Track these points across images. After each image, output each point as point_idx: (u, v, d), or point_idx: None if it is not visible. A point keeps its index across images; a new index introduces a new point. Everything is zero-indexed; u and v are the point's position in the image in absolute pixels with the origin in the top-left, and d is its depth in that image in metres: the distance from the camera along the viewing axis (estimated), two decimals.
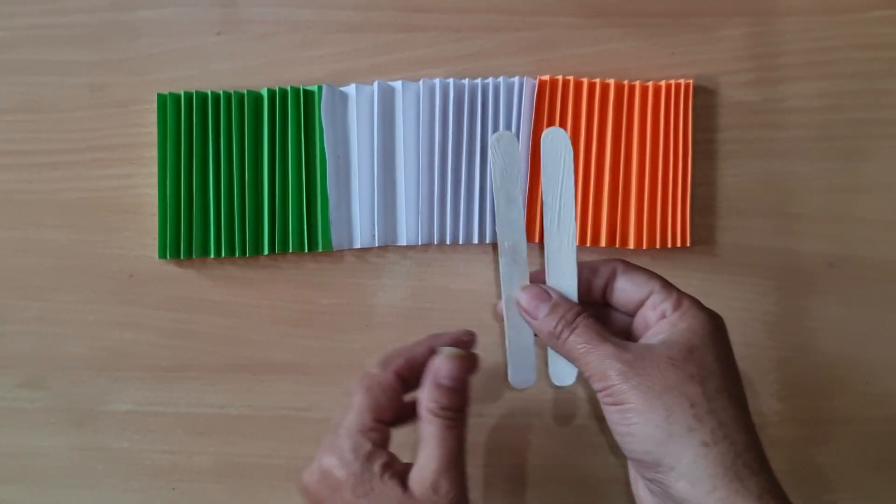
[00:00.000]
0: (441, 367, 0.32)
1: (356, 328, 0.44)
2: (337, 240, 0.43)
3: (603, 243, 0.43)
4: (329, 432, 0.32)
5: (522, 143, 0.43)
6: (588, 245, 0.43)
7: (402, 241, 0.43)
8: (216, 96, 0.42)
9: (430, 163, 0.43)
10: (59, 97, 0.45)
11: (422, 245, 0.44)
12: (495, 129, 0.43)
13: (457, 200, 0.43)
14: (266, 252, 0.43)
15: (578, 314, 0.32)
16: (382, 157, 0.43)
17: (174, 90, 0.43)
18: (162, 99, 0.42)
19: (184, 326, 0.44)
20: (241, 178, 0.43)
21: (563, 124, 0.43)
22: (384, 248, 0.44)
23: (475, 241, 0.43)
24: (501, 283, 0.35)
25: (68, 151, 0.45)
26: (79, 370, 0.44)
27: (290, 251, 0.43)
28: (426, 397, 0.32)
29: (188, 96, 0.42)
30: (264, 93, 0.43)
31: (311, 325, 0.44)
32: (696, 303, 0.32)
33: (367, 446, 0.31)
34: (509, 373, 0.35)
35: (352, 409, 0.32)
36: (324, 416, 0.44)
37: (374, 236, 0.43)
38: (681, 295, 0.32)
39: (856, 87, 0.45)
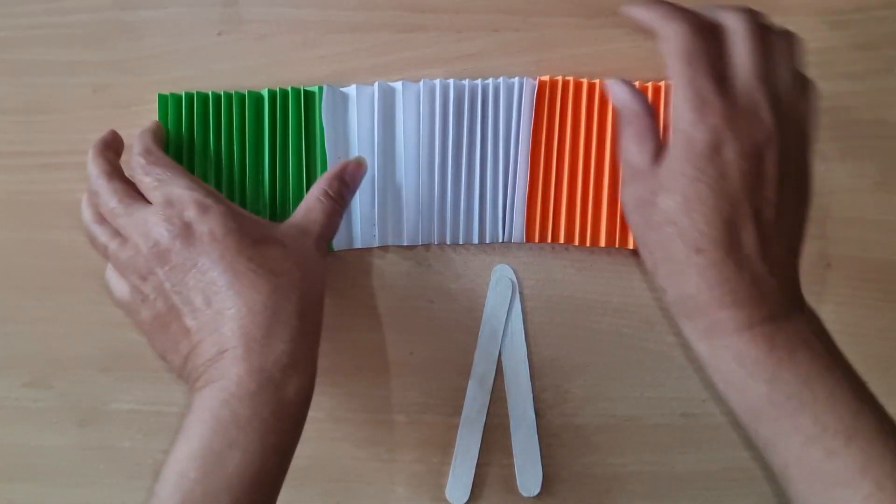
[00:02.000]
0: (350, 166, 0.41)
1: (356, 328, 0.44)
2: (337, 240, 0.43)
3: (602, 243, 0.43)
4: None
5: (522, 144, 0.43)
6: (588, 245, 0.43)
7: (403, 241, 0.43)
8: (217, 97, 0.43)
9: (431, 163, 0.43)
10: (61, 97, 0.45)
11: (422, 245, 0.44)
12: (495, 129, 0.43)
13: (457, 200, 0.43)
14: None
15: None
16: (383, 157, 0.43)
17: (175, 90, 0.43)
18: (163, 99, 0.42)
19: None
20: (241, 177, 0.43)
21: (563, 124, 0.43)
22: (384, 249, 0.44)
23: (475, 240, 0.43)
24: (465, 404, 0.43)
25: (71, 152, 0.45)
26: (82, 370, 0.44)
27: None
28: (327, 184, 0.39)
29: (189, 97, 0.42)
30: (265, 93, 0.43)
31: None
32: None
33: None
34: (448, 486, 0.42)
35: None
36: (324, 416, 0.44)
37: (374, 236, 0.43)
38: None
39: (855, 88, 0.45)
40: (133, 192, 0.37)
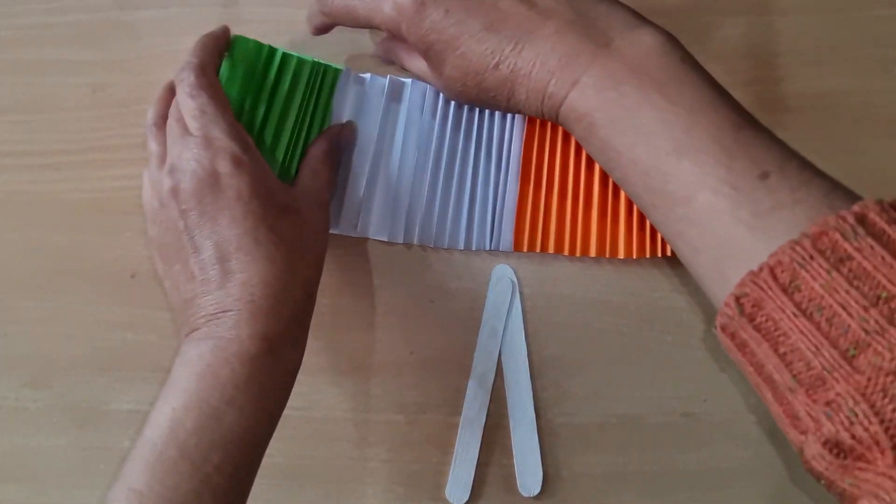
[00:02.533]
0: (346, 131, 0.42)
1: (356, 328, 0.44)
2: None
3: (592, 253, 0.43)
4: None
5: (514, 152, 0.43)
6: (578, 255, 0.43)
7: (384, 237, 0.43)
8: (271, 50, 0.39)
9: (425, 163, 0.43)
10: (60, 97, 0.45)
11: (419, 245, 0.44)
12: (489, 136, 0.43)
13: (446, 203, 0.43)
14: None
15: None
16: (380, 149, 0.43)
17: None
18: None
19: None
20: (259, 135, 0.40)
21: (554, 135, 0.43)
22: (385, 250, 0.44)
23: (460, 246, 0.43)
24: (465, 404, 0.43)
25: (70, 152, 0.45)
26: (81, 370, 0.44)
27: None
28: (327, 147, 0.40)
29: (244, 41, 0.39)
30: (309, 59, 0.40)
31: (312, 325, 0.44)
32: None
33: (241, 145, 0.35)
34: (448, 486, 0.42)
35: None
36: (324, 415, 0.44)
37: (355, 225, 0.43)
38: None
39: (856, 87, 0.45)
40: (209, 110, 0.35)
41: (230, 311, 0.33)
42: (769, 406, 0.29)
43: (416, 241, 0.43)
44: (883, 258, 0.25)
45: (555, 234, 0.43)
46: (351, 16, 0.36)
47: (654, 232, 0.42)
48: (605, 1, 0.34)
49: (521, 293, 0.44)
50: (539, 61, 0.32)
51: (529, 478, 0.42)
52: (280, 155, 0.41)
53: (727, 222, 0.28)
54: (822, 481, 0.27)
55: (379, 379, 0.44)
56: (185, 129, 0.35)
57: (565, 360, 0.43)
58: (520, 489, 0.42)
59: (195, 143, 0.34)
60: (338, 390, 0.44)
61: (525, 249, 0.43)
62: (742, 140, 0.29)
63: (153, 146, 0.37)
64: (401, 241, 0.43)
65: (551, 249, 0.43)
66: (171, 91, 0.38)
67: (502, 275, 0.43)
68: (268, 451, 0.44)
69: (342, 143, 0.41)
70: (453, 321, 0.44)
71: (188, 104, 0.35)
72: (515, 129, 0.43)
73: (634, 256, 0.42)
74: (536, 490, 0.42)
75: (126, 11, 0.45)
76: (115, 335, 0.44)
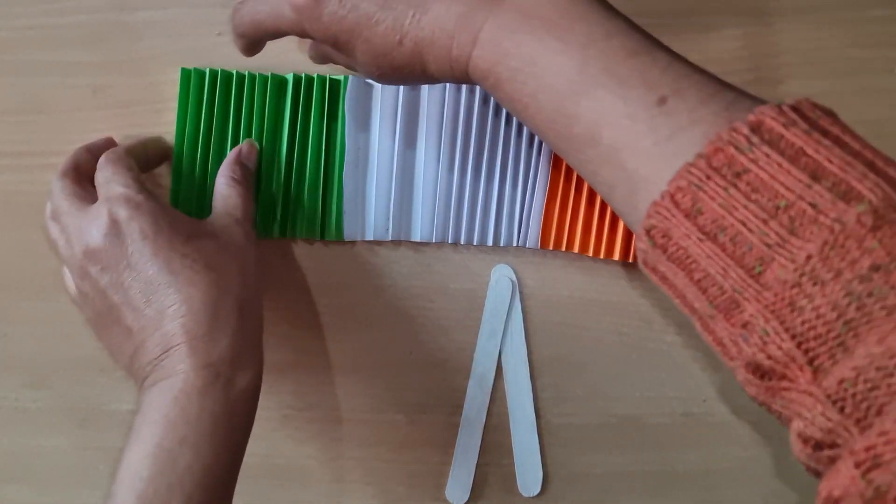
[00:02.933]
0: (244, 150, 0.42)
1: (356, 328, 0.44)
2: (349, 230, 0.43)
3: (617, 257, 0.42)
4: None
5: (545, 149, 0.42)
6: (602, 257, 0.43)
7: (416, 237, 0.43)
8: (241, 76, 0.42)
9: (451, 161, 0.43)
10: (60, 98, 0.45)
11: (435, 243, 0.44)
12: (518, 132, 0.42)
13: (474, 201, 0.43)
14: (276, 234, 0.43)
15: None
16: (403, 151, 0.43)
17: (175, 91, 0.43)
18: (185, 74, 0.42)
19: None
20: (257, 159, 0.43)
21: None
22: (385, 249, 0.44)
23: (489, 242, 0.43)
24: (464, 404, 0.43)
25: (70, 152, 0.45)
26: (81, 370, 0.44)
27: (299, 236, 0.43)
28: (230, 171, 0.40)
29: (213, 73, 0.42)
30: (289, 77, 0.43)
31: (312, 325, 0.44)
32: None
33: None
34: (448, 486, 0.42)
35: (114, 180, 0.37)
36: (324, 415, 0.44)
37: (388, 230, 0.43)
38: None
39: (855, 87, 0.45)
40: (84, 193, 0.37)
41: (171, 347, 0.33)
42: (702, 336, 0.28)
43: (449, 240, 0.43)
44: (779, 165, 0.24)
45: (581, 234, 0.42)
46: (261, 29, 0.36)
47: None
48: None
49: (520, 293, 0.44)
50: (438, 27, 0.31)
51: (529, 478, 0.42)
52: (282, 175, 0.43)
53: (631, 155, 0.28)
54: (765, 408, 0.27)
55: (379, 379, 0.44)
56: (88, 204, 0.36)
57: (565, 361, 0.43)
58: (520, 489, 0.42)
59: (98, 205, 0.35)
60: (337, 390, 0.44)
61: (551, 247, 0.43)
62: (636, 67, 0.28)
63: (52, 234, 0.37)
64: (433, 240, 0.43)
65: (576, 249, 0.43)
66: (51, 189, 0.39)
67: (502, 275, 0.43)
68: (267, 452, 0.44)
69: (245, 162, 0.42)
70: (453, 321, 0.44)
71: (97, 180, 0.37)
72: None
73: None
74: (536, 490, 0.42)
75: (126, 12, 0.45)
76: None
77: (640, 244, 0.28)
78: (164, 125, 0.45)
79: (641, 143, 0.27)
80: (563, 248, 0.43)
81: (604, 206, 0.42)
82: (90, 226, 0.34)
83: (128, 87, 0.45)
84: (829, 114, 0.26)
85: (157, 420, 0.32)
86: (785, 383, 0.25)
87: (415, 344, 0.44)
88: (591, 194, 0.42)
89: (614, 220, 0.42)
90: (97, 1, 0.45)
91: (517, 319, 0.43)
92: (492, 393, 0.43)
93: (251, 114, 0.42)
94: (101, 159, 0.38)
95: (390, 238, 0.43)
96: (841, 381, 0.22)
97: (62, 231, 0.36)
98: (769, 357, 0.24)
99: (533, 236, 0.43)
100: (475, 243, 0.43)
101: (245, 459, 0.44)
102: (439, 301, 0.44)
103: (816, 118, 0.26)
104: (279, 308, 0.44)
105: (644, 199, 0.27)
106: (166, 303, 0.33)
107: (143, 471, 0.31)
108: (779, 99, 0.45)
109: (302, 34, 0.35)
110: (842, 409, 0.23)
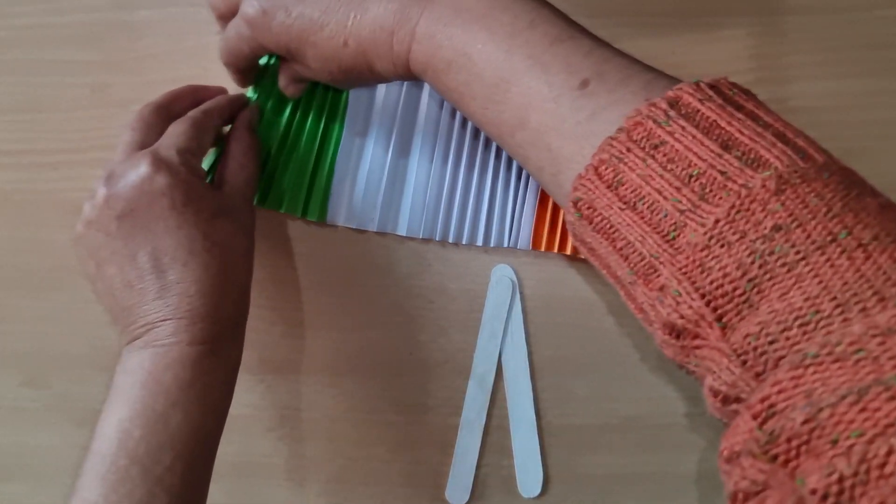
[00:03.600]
0: (253, 115, 0.41)
1: (356, 328, 0.44)
2: (333, 212, 0.43)
3: None
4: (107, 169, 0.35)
5: None
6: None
7: (402, 231, 0.43)
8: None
9: (445, 157, 0.43)
10: (59, 97, 0.45)
11: (421, 239, 0.43)
12: None
13: (465, 199, 0.43)
14: (256, 202, 0.42)
15: None
16: (399, 143, 0.43)
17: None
18: None
19: None
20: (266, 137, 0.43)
21: None
22: (384, 248, 0.44)
23: (479, 242, 0.43)
24: (465, 405, 0.43)
25: (69, 151, 0.45)
26: (80, 369, 0.44)
27: (282, 210, 0.43)
28: (247, 140, 0.40)
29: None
30: None
31: (312, 325, 0.44)
32: None
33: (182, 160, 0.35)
34: (448, 487, 0.42)
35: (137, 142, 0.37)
36: (323, 415, 0.44)
37: (373, 219, 0.43)
38: None
39: (859, 87, 0.44)
40: (144, 144, 0.36)
41: (169, 320, 0.33)
42: (627, 305, 0.30)
43: (437, 237, 0.43)
44: (693, 136, 0.25)
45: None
46: (233, 54, 0.38)
47: None
48: None
49: (521, 293, 0.43)
50: (377, 26, 0.33)
51: (529, 479, 0.42)
52: (275, 146, 0.42)
53: (556, 137, 0.29)
54: (684, 371, 0.28)
55: (379, 379, 0.44)
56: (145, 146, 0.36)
57: (566, 361, 0.43)
58: (520, 490, 0.42)
59: (142, 156, 0.35)
60: (337, 390, 0.44)
61: (542, 248, 0.43)
62: (559, 53, 0.30)
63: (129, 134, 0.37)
64: (420, 236, 0.43)
65: (568, 251, 0.42)
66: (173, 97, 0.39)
67: (502, 275, 0.43)
68: (267, 452, 0.44)
69: (254, 125, 0.41)
70: (453, 321, 0.44)
71: (172, 130, 0.37)
72: None
73: None
74: (536, 491, 0.42)
75: (125, 11, 0.45)
76: (113, 334, 0.44)
77: (568, 217, 0.29)
78: None
79: (564, 124, 0.29)
80: (556, 250, 0.43)
81: None
82: (127, 170, 0.34)
83: (127, 86, 0.45)
84: (746, 92, 0.28)
85: (148, 384, 0.32)
86: (697, 342, 0.26)
87: (415, 344, 0.44)
88: None
89: None
90: (97, 0, 0.45)
91: (517, 320, 0.43)
92: (492, 394, 0.43)
93: (263, 73, 0.42)
94: (190, 113, 0.38)
95: (375, 229, 0.43)
96: (746, 336, 0.23)
97: (105, 170, 0.36)
98: (681, 316, 0.25)
99: (524, 238, 0.43)
100: (464, 242, 0.43)
101: (244, 459, 0.44)
102: (439, 301, 0.44)
103: (733, 95, 0.27)
104: (278, 307, 0.44)
105: (568, 177, 0.29)
106: (175, 278, 0.34)
107: (135, 430, 0.32)
108: (784, 99, 0.45)
109: (260, 48, 0.36)
110: (744, 363, 0.23)
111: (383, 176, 0.43)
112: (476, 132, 0.43)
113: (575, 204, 0.28)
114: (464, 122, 0.43)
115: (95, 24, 0.45)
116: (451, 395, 0.43)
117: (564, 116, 0.29)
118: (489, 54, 0.30)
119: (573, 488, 0.43)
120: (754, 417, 0.22)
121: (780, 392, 0.22)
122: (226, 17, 0.38)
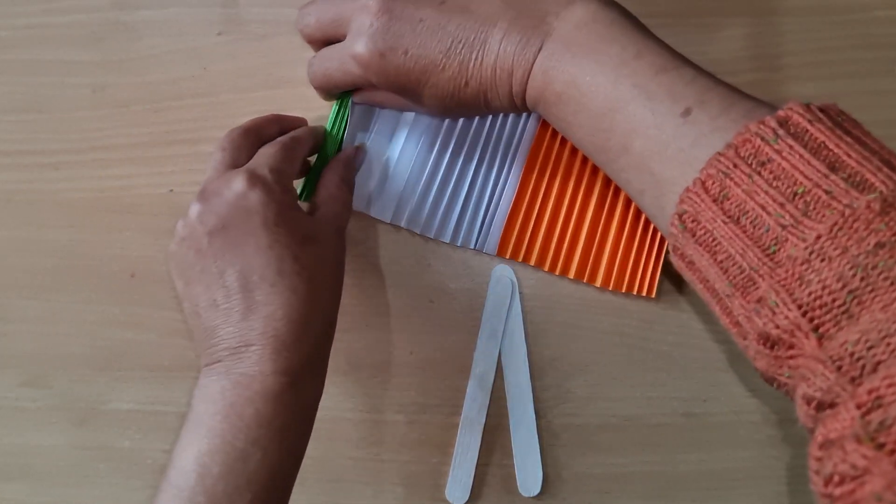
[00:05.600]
0: (359, 154, 0.42)
1: (356, 327, 0.44)
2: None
3: (571, 275, 0.42)
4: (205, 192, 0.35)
5: (519, 159, 0.42)
6: (557, 273, 0.43)
7: (371, 212, 0.42)
8: None
9: (430, 147, 0.42)
10: (60, 97, 0.45)
11: (422, 238, 0.43)
12: (498, 138, 0.42)
13: (441, 193, 0.42)
14: None
15: None
16: (385, 125, 0.42)
17: (175, 90, 0.43)
18: None
19: (185, 326, 0.44)
20: None
21: (561, 150, 0.42)
22: (384, 248, 0.44)
23: (447, 239, 0.43)
24: (465, 404, 0.43)
25: (69, 151, 0.45)
26: (80, 369, 0.44)
27: None
28: (343, 172, 0.40)
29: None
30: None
31: None
32: None
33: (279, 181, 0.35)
34: (448, 486, 0.42)
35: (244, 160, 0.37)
36: (322, 415, 0.43)
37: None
38: None
39: (856, 88, 0.45)
40: (235, 164, 0.36)
41: (253, 345, 0.32)
42: (720, 321, 0.30)
43: (403, 224, 0.43)
44: (801, 156, 0.26)
45: (539, 248, 0.42)
46: (332, 83, 0.38)
47: (635, 269, 0.42)
48: None
49: (520, 293, 0.44)
50: (498, 67, 0.34)
51: (529, 478, 0.42)
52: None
53: (659, 162, 0.31)
54: (774, 385, 0.29)
55: (379, 379, 0.44)
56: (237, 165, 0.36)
57: (566, 361, 0.43)
58: (520, 489, 0.42)
59: (237, 172, 0.34)
60: (337, 390, 0.44)
61: (508, 256, 0.43)
62: (663, 82, 0.31)
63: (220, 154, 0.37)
64: (388, 220, 0.42)
65: (532, 262, 0.43)
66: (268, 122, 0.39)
67: (502, 275, 0.43)
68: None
69: (356, 165, 0.41)
70: (453, 321, 0.44)
71: (264, 151, 0.36)
72: (525, 136, 0.42)
73: (611, 288, 0.42)
74: (536, 490, 0.42)
75: (126, 11, 0.45)
76: (114, 334, 0.44)
77: (671, 230, 0.30)
78: (164, 124, 0.45)
79: (668, 150, 0.30)
80: (520, 259, 0.43)
81: (567, 222, 0.42)
82: (221, 187, 0.34)
83: (127, 86, 0.45)
84: (853, 120, 0.29)
85: (230, 416, 0.32)
86: (792, 352, 0.26)
87: (415, 344, 0.44)
88: (555, 211, 0.42)
89: (574, 240, 0.42)
90: (97, 0, 0.45)
91: (517, 319, 0.43)
92: (492, 393, 0.43)
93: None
94: (280, 138, 0.38)
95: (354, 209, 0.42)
96: (843, 343, 0.24)
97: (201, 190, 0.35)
98: (777, 326, 0.26)
99: (492, 243, 0.43)
100: (431, 236, 0.43)
101: None
102: (439, 301, 0.44)
103: (841, 119, 0.28)
104: None
105: (670, 200, 0.30)
106: (262, 300, 0.33)
107: (214, 467, 0.31)
108: (781, 99, 0.45)
109: (368, 85, 0.37)
110: (839, 368, 0.24)
111: (367, 158, 0.42)
112: (464, 133, 0.43)
113: (680, 216, 0.29)
114: (451, 123, 0.42)
115: (95, 24, 0.45)
116: (451, 395, 0.43)
117: (668, 142, 0.30)
118: (597, 85, 0.32)
119: (572, 488, 0.43)
120: (858, 407, 0.23)
121: (889, 386, 0.22)
122: (318, 42, 0.39)
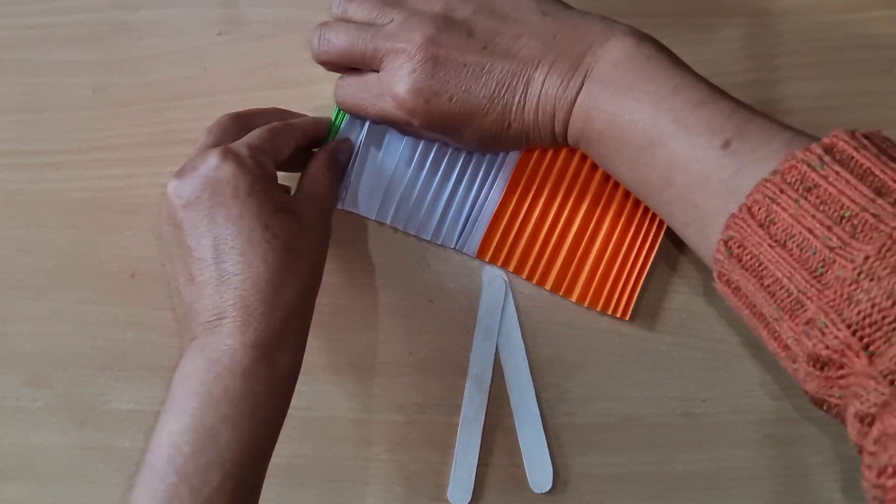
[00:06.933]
0: (342, 145, 0.41)
1: (356, 327, 0.44)
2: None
3: (548, 287, 0.42)
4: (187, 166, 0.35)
5: (508, 163, 0.42)
6: (535, 283, 0.43)
7: (357, 208, 0.42)
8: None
9: (416, 142, 0.41)
10: (60, 97, 0.45)
11: (419, 239, 0.43)
12: None
13: (426, 190, 0.42)
14: None
15: None
16: (373, 129, 0.42)
17: (175, 90, 0.43)
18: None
19: None
20: None
21: (553, 158, 0.42)
22: (384, 248, 0.44)
23: (428, 236, 0.42)
24: (463, 405, 0.43)
25: (70, 151, 0.45)
26: (81, 369, 0.44)
27: None
28: (331, 155, 0.40)
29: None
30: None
31: (311, 325, 0.44)
32: None
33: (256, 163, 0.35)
34: (450, 487, 0.43)
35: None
36: (323, 415, 0.44)
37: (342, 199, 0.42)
38: None
39: (855, 88, 0.45)
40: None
41: (225, 317, 0.33)
42: (768, 346, 0.30)
43: (388, 222, 0.42)
44: (847, 181, 0.27)
45: (520, 255, 0.42)
46: (363, 114, 0.39)
47: (613, 288, 0.42)
48: (574, 26, 0.36)
49: (518, 293, 0.44)
50: (541, 109, 0.35)
51: (539, 475, 0.42)
52: None
53: (701, 194, 0.31)
54: (824, 407, 0.29)
55: (379, 379, 0.44)
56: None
57: (564, 361, 0.43)
58: (531, 486, 0.42)
59: (213, 149, 0.34)
60: (338, 390, 0.44)
61: (487, 260, 0.42)
62: (702, 115, 0.32)
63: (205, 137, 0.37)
64: (373, 217, 0.42)
65: (512, 268, 0.42)
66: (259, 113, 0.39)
67: (494, 275, 0.43)
68: None
69: (341, 155, 0.41)
70: (452, 321, 0.44)
71: (250, 133, 0.37)
72: None
73: (586, 305, 0.42)
74: (548, 486, 0.42)
75: (126, 11, 0.45)
76: (114, 334, 0.44)
77: (717, 256, 0.31)
78: (164, 124, 0.45)
79: (709, 182, 0.31)
80: (500, 264, 0.42)
81: (551, 232, 0.42)
82: (196, 161, 0.34)
83: (127, 86, 0.45)
84: None
85: (199, 394, 0.32)
86: (842, 371, 0.27)
87: (414, 344, 0.44)
88: (540, 221, 0.42)
89: (555, 252, 0.42)
90: (97, 0, 0.45)
91: (512, 319, 0.43)
92: (491, 393, 0.43)
93: None
94: (272, 123, 0.38)
95: (340, 206, 0.42)
96: (892, 358, 0.24)
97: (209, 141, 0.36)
98: (827, 347, 0.26)
99: (472, 244, 0.42)
100: (413, 232, 0.43)
101: None
102: (438, 301, 0.44)
103: (886, 146, 0.28)
104: None
105: (714, 231, 0.31)
106: (232, 269, 0.33)
107: (184, 445, 0.31)
108: (779, 100, 0.45)
109: (407, 124, 0.38)
110: (892, 382, 0.24)
111: (353, 153, 0.41)
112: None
113: (726, 243, 0.30)
114: None
115: (95, 24, 0.45)
116: (451, 395, 0.43)
117: (709, 175, 0.31)
118: (636, 122, 0.33)
119: (572, 487, 0.43)
120: None
121: None
122: (333, 67, 0.39)
